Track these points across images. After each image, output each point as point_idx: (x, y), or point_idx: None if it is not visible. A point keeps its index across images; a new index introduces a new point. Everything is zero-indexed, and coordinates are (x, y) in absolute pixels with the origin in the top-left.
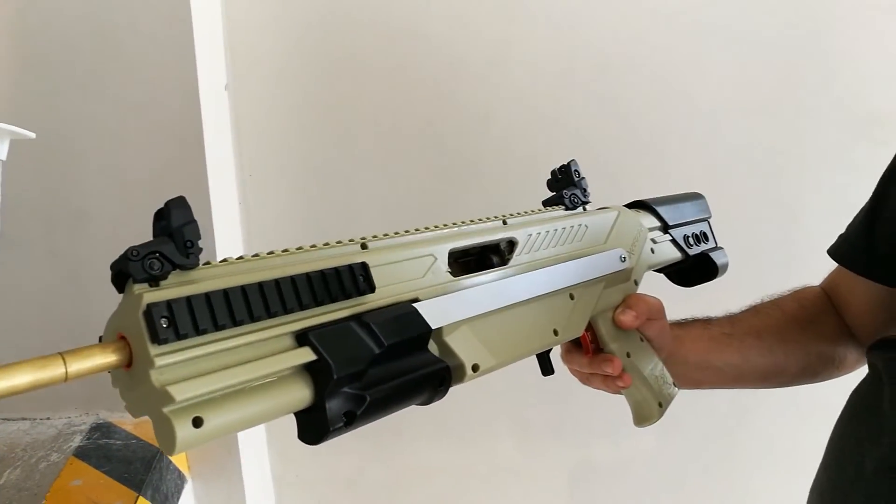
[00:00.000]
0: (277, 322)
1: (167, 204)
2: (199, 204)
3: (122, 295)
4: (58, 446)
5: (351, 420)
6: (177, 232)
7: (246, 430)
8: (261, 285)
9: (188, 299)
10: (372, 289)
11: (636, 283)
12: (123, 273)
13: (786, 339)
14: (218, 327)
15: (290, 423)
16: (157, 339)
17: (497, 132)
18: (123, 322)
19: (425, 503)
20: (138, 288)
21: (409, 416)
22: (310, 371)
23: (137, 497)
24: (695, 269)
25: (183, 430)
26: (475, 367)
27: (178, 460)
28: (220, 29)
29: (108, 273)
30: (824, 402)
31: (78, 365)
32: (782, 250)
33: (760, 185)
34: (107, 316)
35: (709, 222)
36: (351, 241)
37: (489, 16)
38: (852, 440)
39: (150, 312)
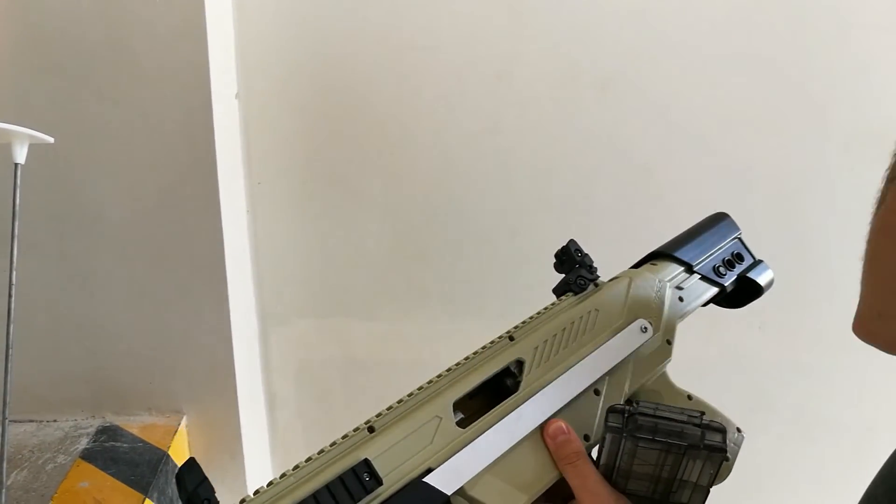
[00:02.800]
0: None
1: (180, 470)
2: (209, 212)
3: None
4: (64, 448)
5: None
6: (193, 496)
7: None
8: None
9: None
10: (379, 482)
11: (669, 343)
12: None
13: None
14: None
15: (293, 430)
16: None
17: (503, 142)
18: None
19: None
20: None
21: None
22: None
23: (144, 499)
24: (737, 292)
25: None
26: None
27: None
28: (232, 39)
29: (118, 277)
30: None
31: None
32: (790, 266)
33: (766, 200)
34: (114, 320)
35: (740, 239)
36: (357, 429)
37: (496, 30)
38: None
39: None
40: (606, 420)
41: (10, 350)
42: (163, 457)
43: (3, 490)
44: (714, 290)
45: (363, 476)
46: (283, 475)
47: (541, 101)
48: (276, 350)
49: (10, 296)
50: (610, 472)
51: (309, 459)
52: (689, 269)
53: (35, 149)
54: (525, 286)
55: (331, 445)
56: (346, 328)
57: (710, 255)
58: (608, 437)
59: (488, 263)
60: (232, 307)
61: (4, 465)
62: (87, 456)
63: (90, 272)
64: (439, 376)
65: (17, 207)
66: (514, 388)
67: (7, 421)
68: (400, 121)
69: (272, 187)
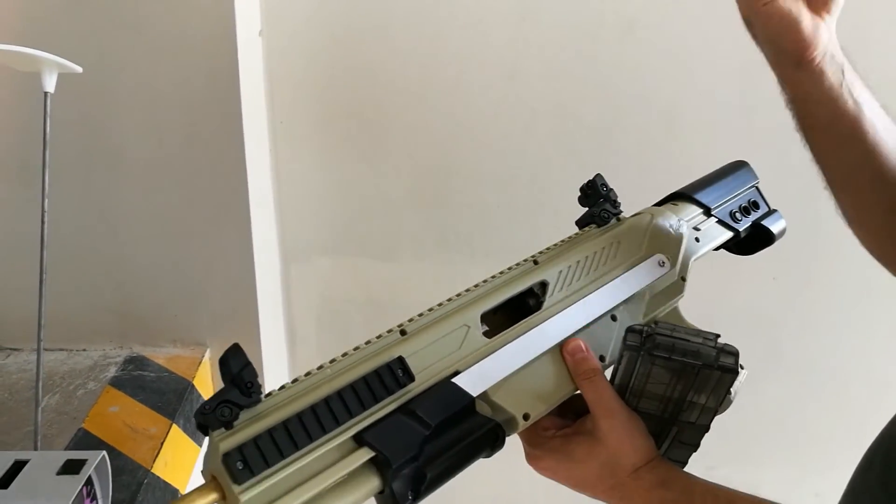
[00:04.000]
0: (335, 433)
1: (225, 353)
2: (233, 148)
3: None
4: (94, 375)
5: (417, 494)
6: (237, 377)
7: None
8: (313, 408)
9: (255, 440)
10: (411, 378)
11: (683, 280)
12: (203, 425)
13: None
14: (285, 456)
15: (312, 365)
16: (236, 480)
17: (524, 85)
18: (212, 465)
19: None
20: (216, 435)
21: None
22: (374, 464)
23: (171, 425)
24: (750, 238)
25: None
26: (526, 416)
27: (206, 396)
28: None
29: (144, 212)
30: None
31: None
32: (807, 213)
33: (786, 147)
34: (140, 254)
35: (757, 188)
36: (390, 331)
37: None
38: None
39: (226, 460)
40: (625, 339)
41: (45, 275)
42: (188, 386)
43: (39, 409)
44: (728, 234)
45: (397, 371)
46: (320, 367)
47: (564, 44)
48: (297, 287)
49: (42, 222)
50: (623, 391)
51: (345, 355)
52: (707, 212)
53: (61, 80)
54: (542, 231)
55: (366, 343)
56: (365, 268)
57: (727, 200)
58: (626, 354)
59: (506, 208)
60: (255, 244)
61: (40, 385)
62: (116, 383)
63: (117, 205)
64: (467, 290)
65: (48, 136)
66: (537, 308)
67: (41, 343)
68: (422, 61)
69: (294, 126)
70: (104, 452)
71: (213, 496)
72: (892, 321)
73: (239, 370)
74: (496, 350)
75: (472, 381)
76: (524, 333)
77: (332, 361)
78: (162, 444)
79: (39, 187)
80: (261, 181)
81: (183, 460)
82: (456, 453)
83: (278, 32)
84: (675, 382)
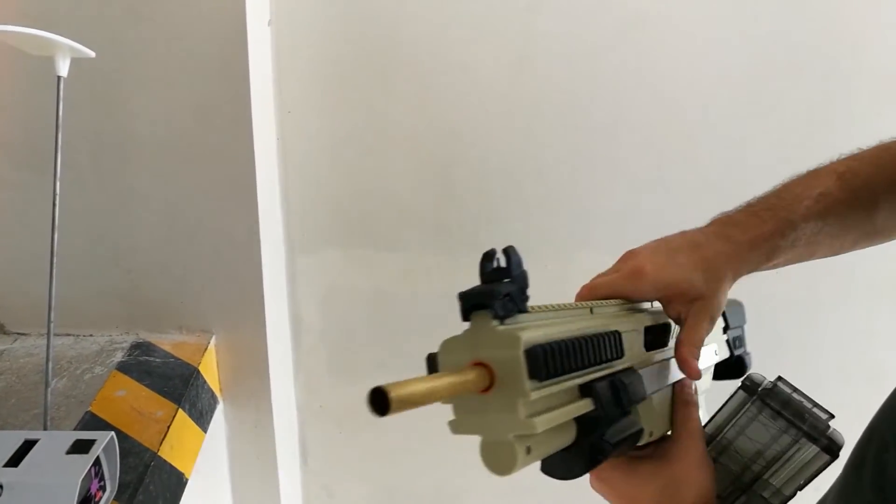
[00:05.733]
0: (578, 375)
1: (507, 250)
2: (242, 138)
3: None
4: (101, 360)
5: (594, 463)
6: (518, 278)
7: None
8: (586, 339)
9: (551, 345)
10: (622, 354)
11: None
12: (482, 305)
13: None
14: (564, 372)
15: (316, 354)
16: (535, 376)
17: (532, 77)
18: (485, 352)
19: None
20: (505, 326)
21: None
22: (580, 418)
23: (177, 409)
24: (729, 367)
25: (521, 456)
26: (650, 433)
27: (211, 382)
28: None
29: (152, 199)
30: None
31: (452, 380)
32: None
33: (788, 139)
34: (147, 240)
35: (743, 328)
36: (578, 305)
37: None
38: None
39: (531, 353)
40: (744, 381)
41: (55, 258)
42: (193, 372)
43: (49, 390)
44: (726, 355)
45: (616, 343)
46: (557, 304)
47: (572, 35)
48: (303, 276)
49: (54, 206)
50: (712, 437)
51: (561, 307)
52: (725, 329)
53: (71, 65)
54: (547, 224)
55: (565, 304)
56: (370, 259)
57: (735, 327)
58: (738, 394)
59: (512, 200)
60: (262, 232)
61: (50, 366)
62: (123, 368)
63: (126, 192)
64: (619, 303)
65: (61, 119)
66: (663, 344)
67: (52, 325)
68: (430, 53)
69: (301, 116)
70: (112, 433)
71: (479, 383)
72: (893, 317)
73: (519, 273)
74: (651, 364)
75: (645, 383)
76: (667, 359)
77: (549, 306)
78: (168, 427)
79: (49, 172)
80: (268, 170)
81: (188, 444)
82: (623, 439)
83: (287, 23)
84: (770, 442)
